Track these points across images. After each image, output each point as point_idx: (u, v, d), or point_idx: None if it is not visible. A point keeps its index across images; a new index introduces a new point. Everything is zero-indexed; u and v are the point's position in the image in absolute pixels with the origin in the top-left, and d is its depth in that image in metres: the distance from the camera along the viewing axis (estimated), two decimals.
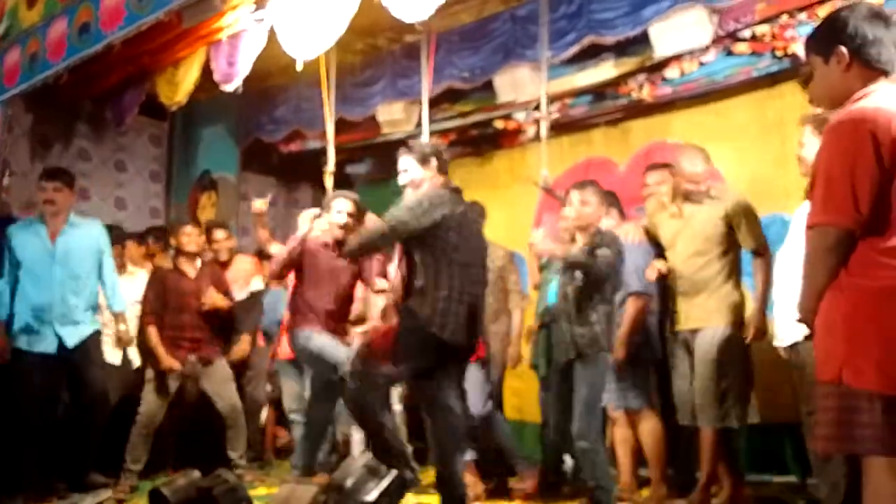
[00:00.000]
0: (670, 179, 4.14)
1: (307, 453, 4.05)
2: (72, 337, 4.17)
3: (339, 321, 4.06)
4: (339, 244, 3.92)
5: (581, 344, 3.28)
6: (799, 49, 4.07)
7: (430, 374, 3.09)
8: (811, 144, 3.03)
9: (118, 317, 4.45)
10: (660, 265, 3.69)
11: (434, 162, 3.35)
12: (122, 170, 6.12)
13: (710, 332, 3.51)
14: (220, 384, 4.54)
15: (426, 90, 4.45)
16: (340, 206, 3.96)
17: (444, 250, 3.12)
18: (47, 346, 4.12)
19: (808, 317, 1.93)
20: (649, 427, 3.73)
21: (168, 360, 4.38)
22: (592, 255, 3.30)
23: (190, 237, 4.63)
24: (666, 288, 3.81)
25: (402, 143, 5.65)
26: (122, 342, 4.52)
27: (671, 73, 4.56)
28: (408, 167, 3.37)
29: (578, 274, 3.34)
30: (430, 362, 3.07)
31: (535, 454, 4.49)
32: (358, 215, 3.92)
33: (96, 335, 4.34)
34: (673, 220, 3.71)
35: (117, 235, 4.84)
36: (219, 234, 5.08)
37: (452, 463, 3.08)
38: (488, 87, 5.06)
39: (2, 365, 4.15)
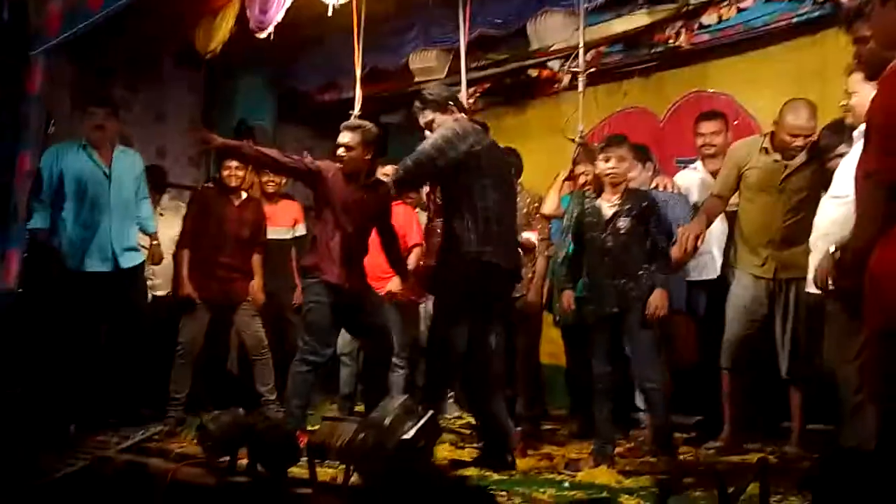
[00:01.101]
0: (724, 129, 4.11)
1: None
2: (126, 259, 4.35)
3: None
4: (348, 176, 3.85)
5: (631, 297, 3.35)
6: None
7: (466, 308, 3.19)
8: (863, 92, 3.00)
9: (151, 236, 4.63)
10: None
11: (452, 104, 3.37)
12: (162, 119, 6.23)
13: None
14: (247, 318, 4.66)
15: (463, 39, 4.44)
16: (341, 138, 3.86)
17: (475, 183, 3.19)
18: (105, 265, 4.30)
19: (856, 262, 1.91)
20: None
21: (186, 288, 4.50)
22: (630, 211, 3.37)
23: (231, 171, 4.65)
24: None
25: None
26: (154, 258, 4.64)
27: (708, 19, 4.52)
28: (432, 119, 3.39)
29: (623, 223, 3.37)
30: (469, 291, 3.17)
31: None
32: (366, 145, 3.83)
33: (143, 265, 4.52)
34: (775, 166, 3.64)
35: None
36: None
37: (489, 406, 3.19)
38: (521, 34, 5.02)
39: (55, 285, 4.35)
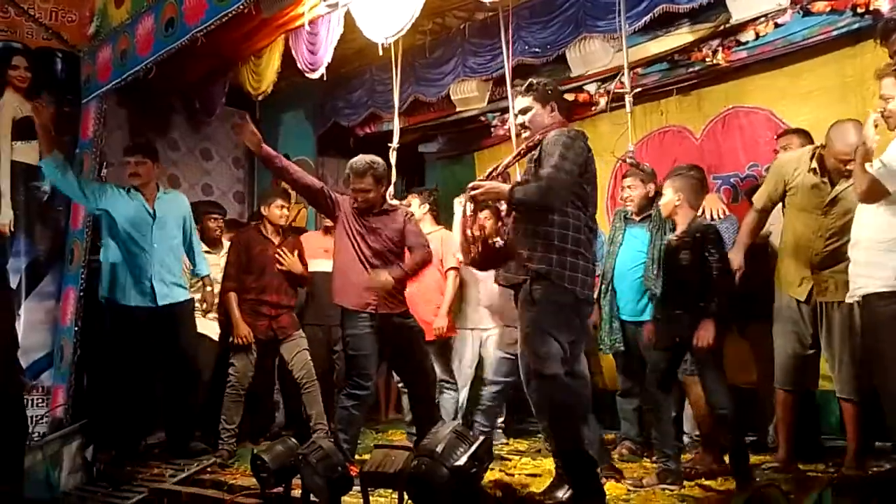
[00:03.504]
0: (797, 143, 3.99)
1: None
2: (165, 296, 4.43)
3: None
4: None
5: (693, 327, 3.34)
6: (882, 4, 3.96)
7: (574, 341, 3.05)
8: None
9: (204, 280, 4.74)
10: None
11: (556, 104, 3.17)
12: (208, 158, 6.39)
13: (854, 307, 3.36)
14: (296, 352, 4.72)
15: (508, 65, 4.52)
16: (355, 184, 3.95)
17: (586, 201, 3.05)
18: (144, 300, 4.40)
19: None
20: (696, 394, 3.75)
21: (243, 329, 4.57)
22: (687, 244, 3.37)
23: (281, 210, 4.81)
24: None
25: (473, 119, 5.82)
26: (207, 304, 4.75)
27: (746, 36, 4.49)
28: (529, 107, 3.16)
29: (683, 256, 3.39)
30: (575, 327, 3.06)
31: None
32: (379, 182, 3.93)
33: (189, 303, 4.60)
34: (821, 188, 3.55)
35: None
36: None
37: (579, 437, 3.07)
38: (560, 60, 5.05)
39: (102, 320, 4.61)
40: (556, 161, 2.91)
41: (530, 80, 3.28)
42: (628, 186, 4.27)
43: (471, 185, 3.08)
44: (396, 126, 4.87)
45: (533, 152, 3.11)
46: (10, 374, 4.18)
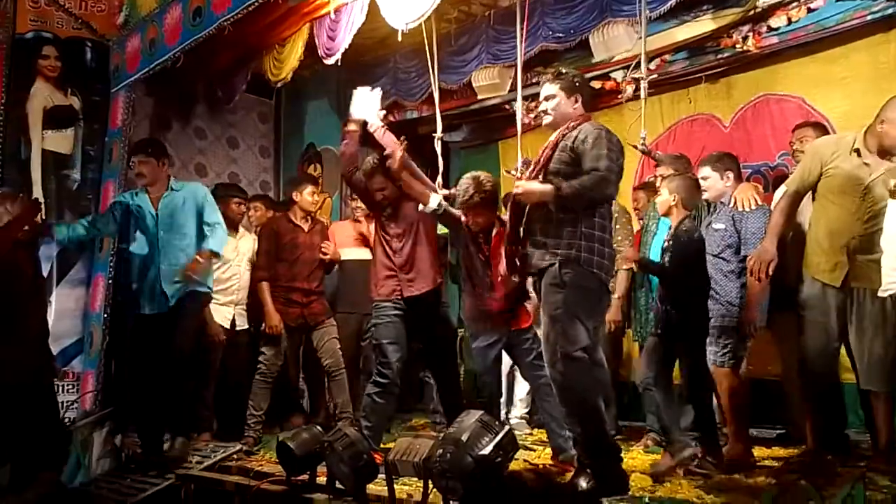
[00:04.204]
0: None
1: None
2: (174, 293, 4.35)
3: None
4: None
5: (674, 322, 3.42)
6: None
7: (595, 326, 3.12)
8: None
9: (213, 253, 4.34)
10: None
11: (581, 96, 3.17)
12: (235, 146, 6.42)
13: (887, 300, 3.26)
14: (325, 339, 4.75)
15: (520, 52, 4.47)
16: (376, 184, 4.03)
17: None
18: (158, 306, 4.35)
19: None
20: (726, 385, 3.70)
21: (274, 319, 4.60)
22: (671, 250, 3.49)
23: (313, 196, 4.86)
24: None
25: (496, 107, 5.78)
26: (190, 270, 4.26)
27: (777, 21, 4.39)
28: (554, 95, 3.14)
29: (667, 258, 3.49)
30: (598, 312, 3.16)
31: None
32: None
33: (195, 293, 4.41)
34: (862, 169, 3.38)
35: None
36: None
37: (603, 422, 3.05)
38: (583, 46, 4.98)
39: (120, 326, 4.76)
40: (607, 155, 2.95)
41: (560, 68, 3.30)
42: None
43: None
44: (439, 115, 4.81)
45: (563, 142, 3.09)
46: (43, 361, 4.26)
